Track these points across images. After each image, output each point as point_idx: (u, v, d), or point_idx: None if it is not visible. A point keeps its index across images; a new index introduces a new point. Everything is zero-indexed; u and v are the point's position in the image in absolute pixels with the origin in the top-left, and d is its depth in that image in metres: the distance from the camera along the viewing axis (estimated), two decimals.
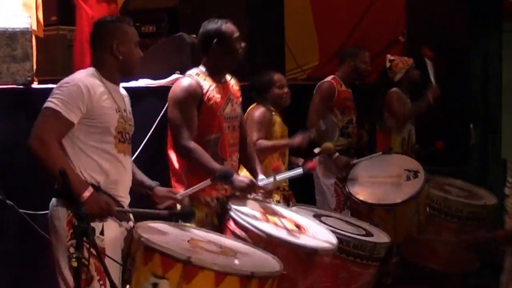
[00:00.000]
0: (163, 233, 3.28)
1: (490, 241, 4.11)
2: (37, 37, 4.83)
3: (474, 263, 5.46)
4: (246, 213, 3.72)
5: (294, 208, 4.31)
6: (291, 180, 4.58)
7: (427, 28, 6.77)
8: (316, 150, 5.08)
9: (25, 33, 4.37)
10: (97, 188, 3.21)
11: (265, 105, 4.82)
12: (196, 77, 3.91)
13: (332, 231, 3.94)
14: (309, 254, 3.55)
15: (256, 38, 6.11)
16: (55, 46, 6.37)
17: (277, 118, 4.87)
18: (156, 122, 4.68)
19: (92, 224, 3.09)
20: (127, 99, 3.51)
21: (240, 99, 4.13)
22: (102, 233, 3.21)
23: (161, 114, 4.62)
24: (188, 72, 4.00)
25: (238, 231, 3.61)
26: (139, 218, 3.40)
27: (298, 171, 4.04)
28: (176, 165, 3.94)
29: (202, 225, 3.78)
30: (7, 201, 3.93)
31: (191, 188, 3.64)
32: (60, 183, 3.15)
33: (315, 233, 3.80)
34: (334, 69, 5.71)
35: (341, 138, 5.48)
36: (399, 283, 5.49)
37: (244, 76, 4.70)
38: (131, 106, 3.52)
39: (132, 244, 3.15)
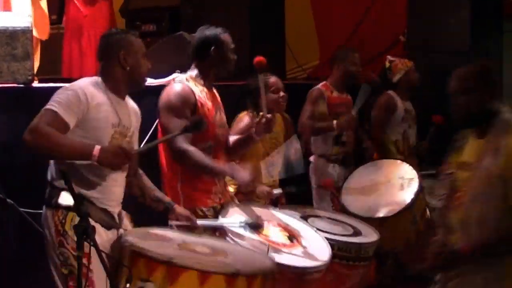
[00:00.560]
0: (153, 238, 3.23)
1: None
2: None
3: None
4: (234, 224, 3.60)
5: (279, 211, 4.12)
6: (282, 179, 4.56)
7: (427, 28, 6.77)
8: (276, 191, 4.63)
9: (25, 32, 4.38)
10: (82, 197, 3.08)
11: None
12: (186, 82, 3.84)
13: None
14: (298, 275, 3.46)
15: (257, 37, 6.12)
16: (55, 45, 6.39)
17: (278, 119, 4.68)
18: (156, 121, 4.66)
19: None
20: (135, 116, 3.43)
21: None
22: None
23: None
24: (178, 78, 3.93)
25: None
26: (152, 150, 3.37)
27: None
28: (169, 173, 3.85)
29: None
30: (8, 200, 3.93)
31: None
32: (65, 157, 3.10)
33: (310, 244, 3.68)
34: None
35: (335, 146, 5.37)
36: (399, 283, 5.47)
37: (244, 76, 4.68)
38: None
39: (122, 250, 3.10)
